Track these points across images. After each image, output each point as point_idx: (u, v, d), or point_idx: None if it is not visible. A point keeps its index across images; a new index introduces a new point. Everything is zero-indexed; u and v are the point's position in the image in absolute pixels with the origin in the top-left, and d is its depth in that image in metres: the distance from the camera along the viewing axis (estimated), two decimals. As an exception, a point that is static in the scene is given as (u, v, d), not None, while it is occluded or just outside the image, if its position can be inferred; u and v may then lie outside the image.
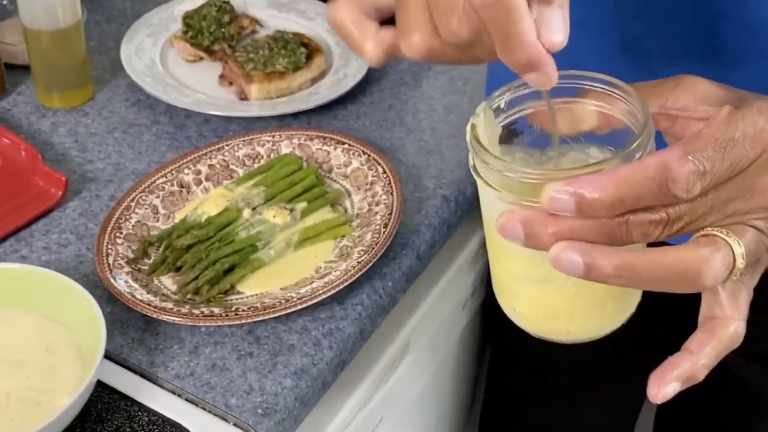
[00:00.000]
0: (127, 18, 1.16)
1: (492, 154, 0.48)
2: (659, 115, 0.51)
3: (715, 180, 0.44)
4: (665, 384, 0.48)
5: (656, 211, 0.44)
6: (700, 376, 0.48)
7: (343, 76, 1.06)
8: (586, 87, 0.51)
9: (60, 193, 0.88)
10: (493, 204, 0.49)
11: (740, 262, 0.46)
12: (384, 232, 0.84)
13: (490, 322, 1.17)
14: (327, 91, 1.04)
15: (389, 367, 0.93)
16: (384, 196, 0.88)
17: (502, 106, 0.52)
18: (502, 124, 0.52)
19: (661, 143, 0.48)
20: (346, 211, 0.89)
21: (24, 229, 0.87)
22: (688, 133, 0.50)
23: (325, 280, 0.80)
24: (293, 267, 0.83)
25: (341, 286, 0.79)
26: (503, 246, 0.51)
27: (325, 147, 0.94)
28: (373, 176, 0.91)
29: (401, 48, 0.49)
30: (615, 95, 0.51)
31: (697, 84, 0.51)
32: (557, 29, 0.45)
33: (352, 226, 0.87)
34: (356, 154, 0.93)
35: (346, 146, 0.94)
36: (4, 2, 1.11)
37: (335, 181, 0.93)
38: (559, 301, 0.52)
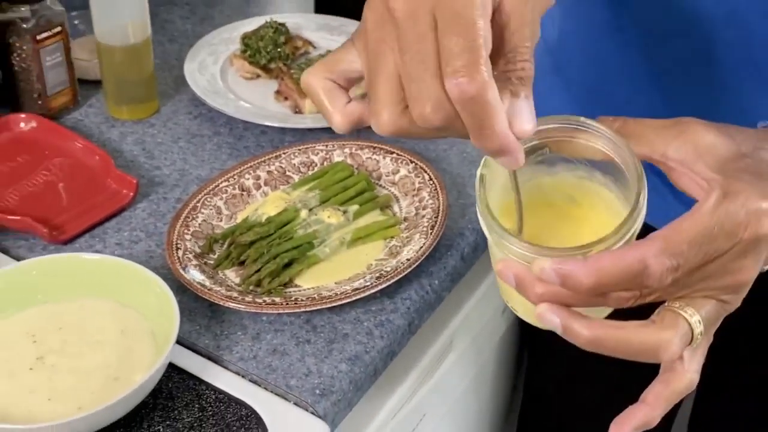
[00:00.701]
0: (187, 39, 1.24)
1: (496, 221, 0.52)
2: (659, 163, 0.55)
3: (687, 270, 0.50)
4: None
5: (630, 290, 0.50)
6: (654, 423, 0.55)
7: (391, 93, 1.12)
8: (589, 131, 0.55)
9: (131, 194, 0.95)
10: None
11: (698, 335, 0.52)
12: (431, 234, 0.90)
13: (527, 330, 1.22)
14: (376, 106, 1.10)
15: (434, 362, 0.98)
16: (430, 201, 0.94)
17: None
18: None
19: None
20: (394, 215, 0.95)
21: (98, 227, 0.93)
22: (682, 183, 0.54)
23: (377, 275, 0.86)
24: (346, 263, 0.89)
25: (392, 280, 0.85)
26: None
27: (374, 156, 1.00)
28: (420, 183, 0.97)
29: (371, 124, 0.51)
30: (611, 145, 0.55)
31: (699, 135, 0.54)
32: (527, 119, 0.49)
33: (401, 228, 0.93)
34: (404, 162, 0.99)
35: (394, 155, 1.00)
36: (76, 22, 1.19)
37: (384, 187, 0.99)
38: None
